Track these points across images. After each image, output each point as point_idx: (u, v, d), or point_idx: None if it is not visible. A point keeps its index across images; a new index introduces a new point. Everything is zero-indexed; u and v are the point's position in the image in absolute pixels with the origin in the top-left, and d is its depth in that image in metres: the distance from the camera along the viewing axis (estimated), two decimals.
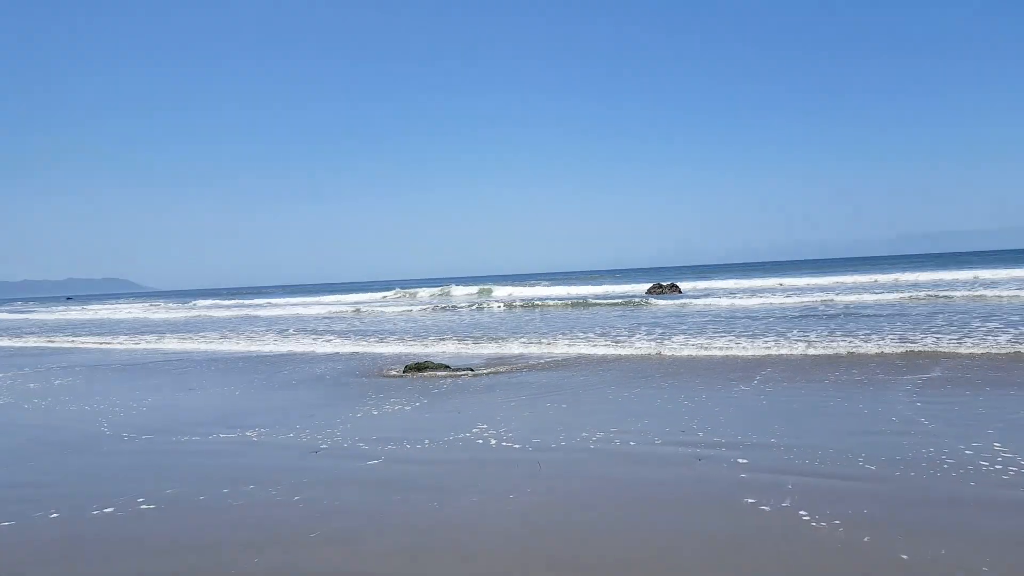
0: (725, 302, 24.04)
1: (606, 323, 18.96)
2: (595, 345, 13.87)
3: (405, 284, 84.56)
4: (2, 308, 75.55)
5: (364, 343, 17.00)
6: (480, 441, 6.49)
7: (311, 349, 16.28)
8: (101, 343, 21.48)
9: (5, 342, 24.11)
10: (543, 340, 15.26)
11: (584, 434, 6.56)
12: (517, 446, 6.22)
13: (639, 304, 24.80)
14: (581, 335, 15.92)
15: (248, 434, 7.22)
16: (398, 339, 17.52)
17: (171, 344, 19.71)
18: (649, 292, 31.44)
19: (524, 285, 53.80)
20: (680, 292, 30.67)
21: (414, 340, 17.03)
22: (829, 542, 3.76)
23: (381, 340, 17.52)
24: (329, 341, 17.97)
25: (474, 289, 48.27)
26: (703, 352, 12.25)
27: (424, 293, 45.87)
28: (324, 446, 6.55)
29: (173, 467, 5.99)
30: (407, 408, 8.35)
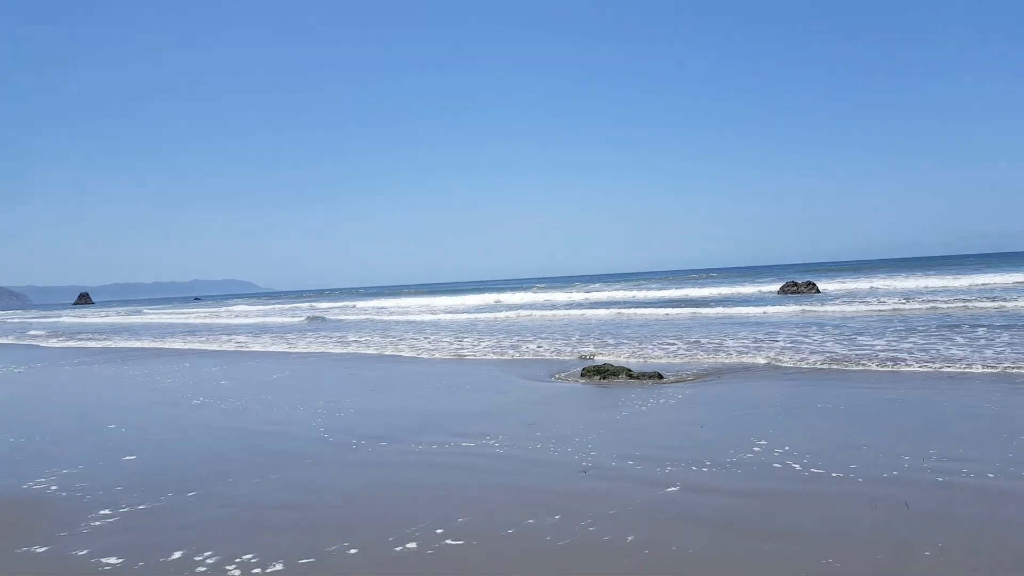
0: (887, 306, 21.37)
1: (761, 328, 17.17)
2: (778, 354, 12.23)
3: (496, 285, 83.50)
4: (146, 308, 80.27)
5: (507, 344, 16.00)
6: (778, 465, 5.20)
7: (458, 351, 15.43)
8: (245, 347, 21.53)
9: (168, 344, 24.69)
10: (708, 344, 13.78)
11: (907, 459, 5.16)
12: (836, 474, 4.89)
13: (804, 305, 22.50)
14: (749, 340, 14.28)
15: (489, 443, 6.23)
16: (532, 340, 16.43)
17: (307, 347, 19.45)
18: (783, 292, 28.79)
19: (611, 287, 51.63)
20: (818, 291, 27.99)
21: (553, 343, 15.89)
22: None
23: (525, 341, 16.47)
24: (474, 343, 17.11)
25: (561, 293, 46.76)
26: (939, 367, 10.44)
27: (527, 297, 44.66)
28: (586, 463, 5.44)
29: (442, 486, 5.02)
30: (636, 418, 7.15)
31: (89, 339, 26.46)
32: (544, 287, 62.37)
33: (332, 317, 34.35)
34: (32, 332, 35.01)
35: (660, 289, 41.87)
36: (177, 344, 21.72)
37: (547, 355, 13.59)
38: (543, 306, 32.35)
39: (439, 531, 4.04)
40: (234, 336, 23.80)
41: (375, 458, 5.97)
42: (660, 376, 10.22)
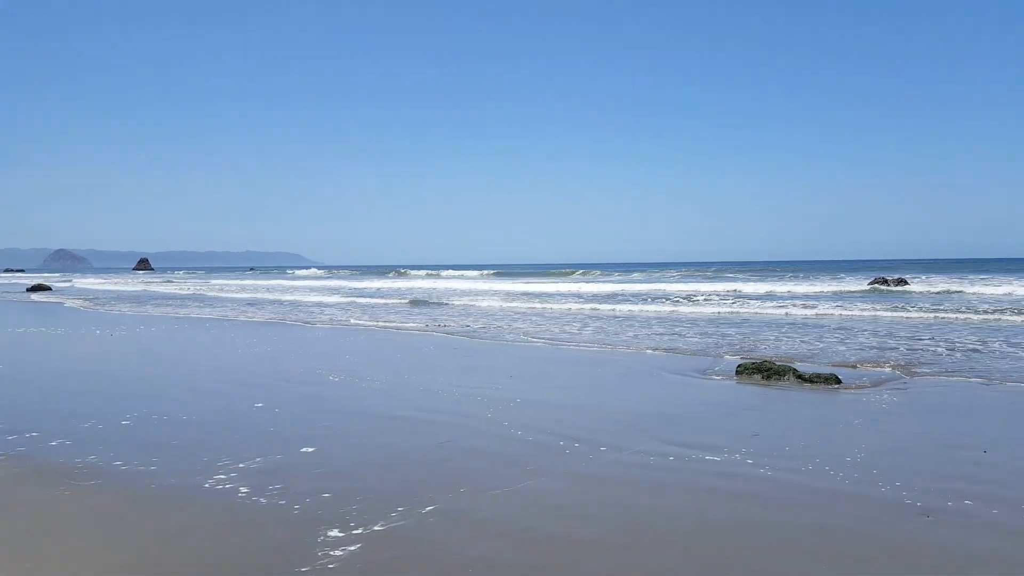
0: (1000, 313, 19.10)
1: (893, 329, 15.53)
2: (953, 359, 10.68)
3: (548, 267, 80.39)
4: (212, 277, 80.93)
5: (611, 332, 14.70)
6: None
7: (557, 338, 14.21)
8: (343, 322, 20.71)
9: (257, 317, 24.09)
10: (850, 344, 12.29)
11: None
12: None
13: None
14: (890, 341, 12.72)
15: (735, 458, 4.96)
16: (633, 331, 15.09)
17: (404, 324, 18.45)
18: (874, 288, 26.40)
19: (655, 277, 49.50)
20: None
21: (661, 336, 14.53)
22: None
23: (624, 331, 15.15)
24: (577, 330, 15.87)
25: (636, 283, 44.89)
26: None
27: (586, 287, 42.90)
28: (909, 501, 4.12)
29: (749, 528, 3.76)
30: (882, 434, 5.81)
31: (177, 307, 26.10)
32: (595, 273, 60.71)
33: (377, 293, 33.48)
34: (119, 298, 35.07)
35: (711, 282, 39.42)
36: (267, 317, 21.04)
37: (665, 348, 12.26)
38: (601, 299, 30.83)
39: None
40: (324, 310, 23.04)
41: (606, 469, 4.77)
42: (838, 380, 8.82)
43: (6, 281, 63.23)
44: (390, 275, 68.97)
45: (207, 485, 4.41)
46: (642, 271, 67.04)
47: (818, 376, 8.94)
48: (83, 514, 3.95)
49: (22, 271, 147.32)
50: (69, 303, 27.72)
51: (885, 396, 7.51)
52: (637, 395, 7.74)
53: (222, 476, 4.58)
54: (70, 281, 58.84)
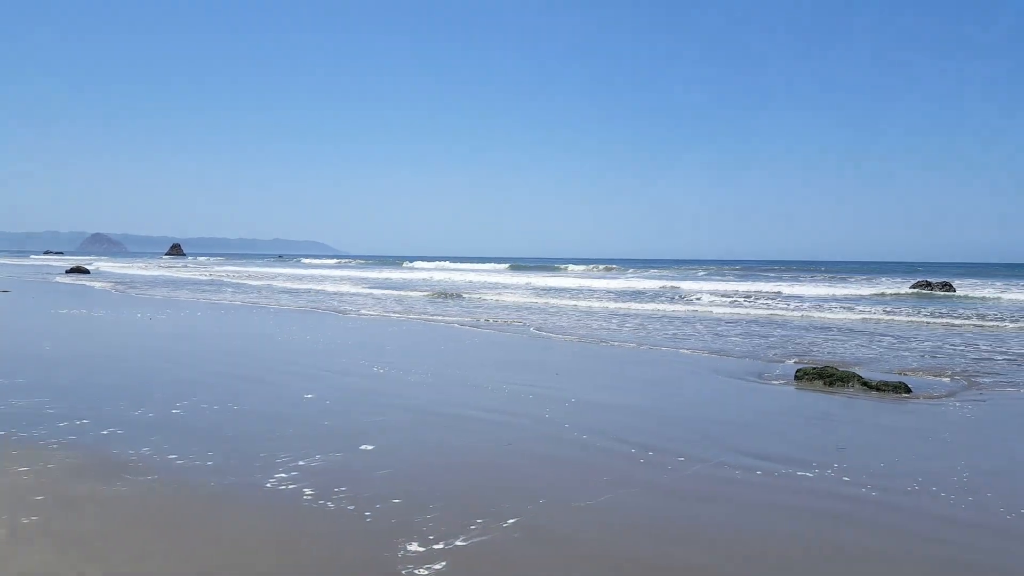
0: None
1: (951, 335, 14.86)
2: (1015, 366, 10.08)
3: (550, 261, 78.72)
4: (243, 264, 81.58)
5: (653, 329, 14.26)
6: None
7: (598, 335, 13.82)
8: (377, 313, 20.52)
9: (294, 306, 24.01)
10: (902, 349, 11.70)
11: None
12: None
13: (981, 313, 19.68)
14: (950, 349, 12.12)
15: (829, 475, 4.55)
16: (673, 331, 14.61)
17: (434, 317, 18.19)
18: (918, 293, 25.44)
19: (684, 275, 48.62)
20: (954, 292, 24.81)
21: (703, 338, 14.04)
22: None
23: (663, 330, 14.69)
24: (617, 327, 15.45)
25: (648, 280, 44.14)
26: None
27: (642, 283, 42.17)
28: None
29: (888, 562, 3.37)
30: (978, 449, 5.35)
31: (211, 293, 26.19)
32: (615, 268, 59.97)
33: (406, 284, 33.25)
34: (147, 282, 35.40)
35: (743, 281, 38.47)
36: (299, 305, 20.95)
37: (711, 350, 11.80)
38: (634, 296, 30.25)
39: None
40: (355, 299, 22.89)
41: (691, 484, 4.39)
42: (908, 388, 8.31)
43: (45, 263, 64.69)
44: (404, 265, 68.95)
45: (269, 485, 4.13)
46: (665, 267, 65.95)
47: (885, 384, 8.42)
48: (144, 514, 3.69)
49: (60, 253, 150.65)
50: (99, 285, 27.99)
51: (964, 407, 7.01)
52: (697, 398, 7.35)
53: (283, 475, 4.31)
54: (93, 265, 59.78)
